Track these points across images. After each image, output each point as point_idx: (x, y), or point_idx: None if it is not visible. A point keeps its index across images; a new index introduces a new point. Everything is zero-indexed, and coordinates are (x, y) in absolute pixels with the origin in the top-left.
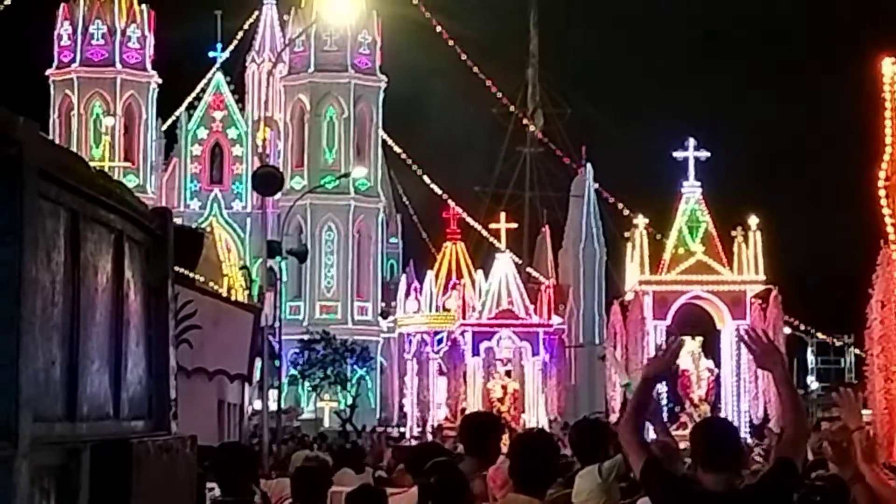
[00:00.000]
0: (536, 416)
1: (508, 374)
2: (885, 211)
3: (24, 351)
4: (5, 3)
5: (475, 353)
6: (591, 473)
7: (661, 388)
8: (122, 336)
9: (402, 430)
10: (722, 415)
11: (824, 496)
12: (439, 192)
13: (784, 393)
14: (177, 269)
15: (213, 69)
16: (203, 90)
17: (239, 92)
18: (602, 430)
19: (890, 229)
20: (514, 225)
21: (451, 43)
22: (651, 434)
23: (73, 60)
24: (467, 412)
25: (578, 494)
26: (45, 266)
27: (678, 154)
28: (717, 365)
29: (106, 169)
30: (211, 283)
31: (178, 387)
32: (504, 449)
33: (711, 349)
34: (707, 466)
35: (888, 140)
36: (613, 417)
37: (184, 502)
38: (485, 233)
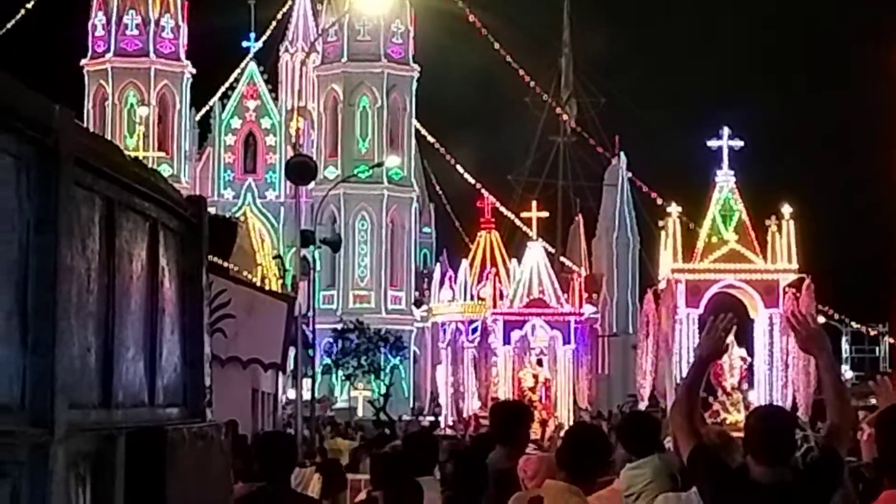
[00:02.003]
0: (568, 405)
1: (540, 362)
2: None
3: (60, 338)
4: None
5: (506, 341)
6: (648, 465)
7: None
8: (157, 324)
9: (436, 419)
10: (754, 403)
11: (863, 484)
12: (472, 181)
13: (828, 380)
14: (211, 258)
15: (247, 59)
16: (237, 80)
17: (272, 82)
18: (656, 423)
19: None
20: (547, 214)
21: (484, 32)
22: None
23: (108, 50)
24: (498, 401)
25: (632, 486)
26: (80, 253)
27: (712, 143)
28: (750, 354)
29: (140, 158)
30: (244, 273)
31: (212, 375)
32: (535, 436)
33: (744, 338)
34: (760, 457)
35: None
36: (642, 406)
37: (219, 489)
38: (517, 222)
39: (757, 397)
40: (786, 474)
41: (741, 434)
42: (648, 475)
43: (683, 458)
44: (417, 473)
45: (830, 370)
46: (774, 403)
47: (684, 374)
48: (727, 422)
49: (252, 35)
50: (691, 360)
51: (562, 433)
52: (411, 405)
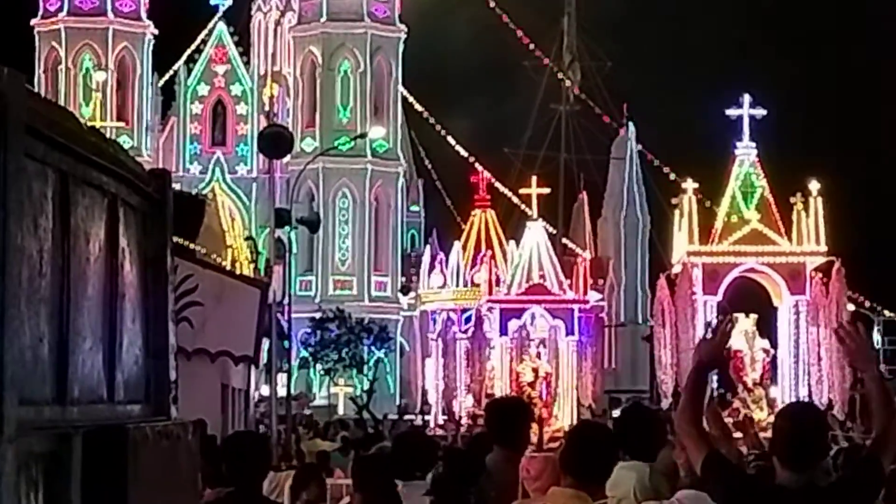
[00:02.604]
0: (571, 402)
1: (539, 355)
2: None
3: (9, 326)
4: None
5: (503, 332)
6: (637, 470)
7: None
8: (117, 311)
9: (424, 418)
10: (779, 400)
11: None
12: (465, 154)
13: (875, 390)
14: (176, 239)
15: (215, 18)
16: (204, 42)
17: (243, 44)
18: (660, 423)
19: None
20: (548, 190)
21: None
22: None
23: (61, 9)
24: (494, 397)
25: (616, 487)
26: (31, 233)
27: (731, 112)
28: (774, 345)
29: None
30: (213, 256)
31: (177, 369)
32: (534, 438)
33: (767, 328)
34: (787, 461)
35: None
36: (665, 403)
37: (186, 493)
38: (515, 199)
39: (780, 393)
40: (817, 479)
41: (765, 434)
42: (632, 482)
43: (695, 467)
44: (410, 477)
45: (879, 381)
46: (803, 400)
47: None
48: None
49: None
50: None
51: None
52: (397, 402)
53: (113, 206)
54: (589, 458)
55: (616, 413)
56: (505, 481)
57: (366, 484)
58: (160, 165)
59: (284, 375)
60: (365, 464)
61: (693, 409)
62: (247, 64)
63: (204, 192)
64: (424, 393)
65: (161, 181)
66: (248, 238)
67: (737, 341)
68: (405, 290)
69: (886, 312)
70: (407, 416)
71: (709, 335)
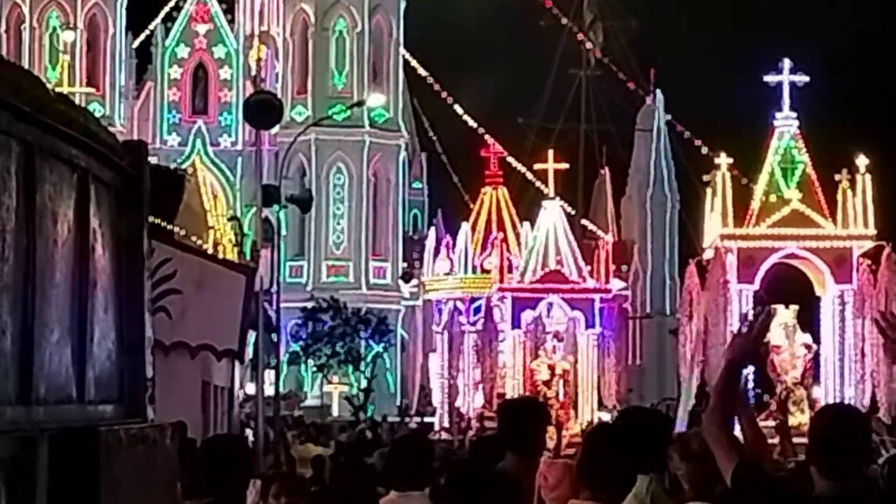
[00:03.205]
0: (591, 403)
1: (556, 350)
2: None
3: None
4: None
5: (515, 324)
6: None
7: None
8: (88, 300)
9: (428, 419)
10: (822, 402)
11: None
12: (474, 125)
13: None
14: (152, 219)
15: None
16: None
17: (227, 1)
18: (665, 427)
19: None
20: (566, 166)
21: None
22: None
23: None
24: (506, 398)
25: None
26: None
27: (770, 78)
28: (816, 340)
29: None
30: (193, 238)
31: (154, 365)
32: (550, 443)
33: (809, 320)
34: (824, 468)
35: None
36: (681, 412)
37: (162, 500)
38: (530, 175)
39: (824, 394)
40: (858, 488)
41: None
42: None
43: (725, 477)
44: (407, 488)
45: None
46: (845, 402)
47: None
48: (789, 424)
49: None
50: None
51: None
52: (398, 403)
53: (83, 182)
54: (607, 465)
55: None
56: (517, 490)
57: (355, 496)
58: (134, 136)
59: (272, 372)
60: (358, 472)
61: (723, 412)
62: (231, 23)
63: (183, 166)
64: (428, 392)
65: (137, 154)
66: (233, 218)
67: (775, 336)
68: (407, 278)
69: None
70: (409, 418)
71: (744, 329)
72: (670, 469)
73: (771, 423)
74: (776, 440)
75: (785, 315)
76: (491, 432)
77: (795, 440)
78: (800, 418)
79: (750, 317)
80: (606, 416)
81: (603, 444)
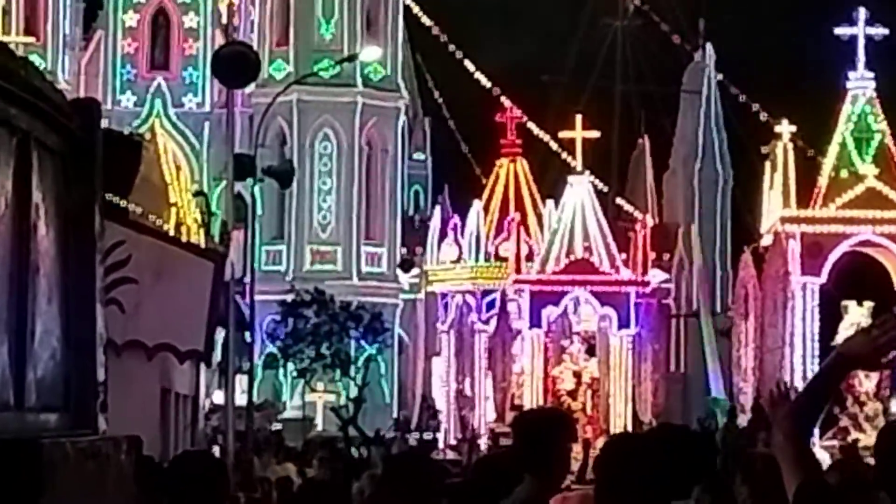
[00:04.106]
0: (625, 417)
1: (591, 352)
2: None
3: None
4: None
5: (535, 322)
6: None
7: None
8: (28, 288)
9: (432, 435)
10: None
11: None
12: (488, 84)
13: None
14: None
15: None
16: None
17: None
18: (705, 445)
19: None
20: (597, 134)
21: None
22: None
23: None
24: (524, 409)
25: None
26: None
27: (841, 31)
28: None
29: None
30: (151, 217)
31: (106, 367)
32: (574, 464)
33: None
34: (889, 491)
35: None
36: (744, 419)
37: None
38: (554, 145)
39: None
40: None
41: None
42: None
43: (788, 494)
44: None
45: None
46: None
47: (801, 372)
48: (859, 444)
49: None
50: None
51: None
52: (395, 415)
53: (24, 147)
54: (627, 482)
55: None
56: None
57: None
58: (81, 95)
59: (245, 378)
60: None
61: (802, 419)
62: None
63: (140, 131)
64: (431, 403)
65: (87, 116)
66: (199, 194)
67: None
68: (406, 266)
69: None
70: (407, 435)
71: (874, 333)
72: (734, 491)
73: (837, 441)
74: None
75: (857, 313)
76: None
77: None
78: (872, 437)
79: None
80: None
81: (625, 464)
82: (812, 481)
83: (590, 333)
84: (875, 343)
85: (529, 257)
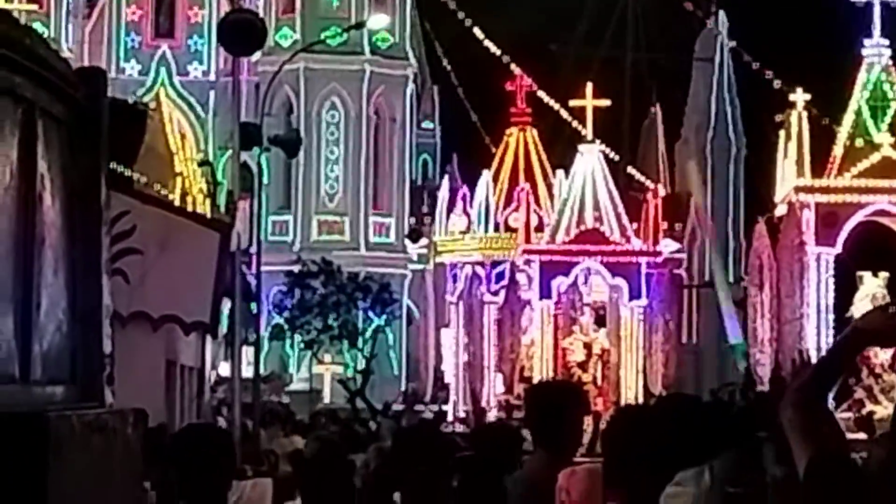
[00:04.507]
0: (636, 389)
1: (601, 322)
2: None
3: None
4: None
5: (544, 293)
6: (690, 478)
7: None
8: (34, 260)
9: (440, 407)
10: None
11: None
12: (497, 52)
13: None
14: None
15: None
16: None
17: None
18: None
19: None
20: (608, 102)
21: None
22: None
23: None
24: (534, 382)
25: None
26: None
27: None
28: None
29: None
30: (156, 186)
31: (112, 339)
32: (584, 437)
33: None
34: None
35: None
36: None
37: (124, 501)
38: (564, 114)
39: None
40: None
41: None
42: (689, 498)
43: (798, 468)
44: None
45: None
46: None
47: (815, 344)
48: (875, 416)
49: None
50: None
51: None
52: (403, 387)
53: (29, 117)
54: (634, 456)
55: None
56: (547, 496)
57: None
58: (85, 63)
59: (251, 350)
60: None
61: (813, 391)
62: None
63: (144, 99)
64: (440, 375)
65: (93, 85)
66: (204, 163)
67: (860, 309)
68: (415, 236)
69: None
70: (417, 407)
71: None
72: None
73: (852, 414)
74: (861, 435)
75: (873, 284)
76: (518, 423)
77: None
78: (888, 409)
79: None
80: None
81: (633, 436)
82: (824, 454)
83: (599, 304)
84: (894, 321)
85: (539, 227)
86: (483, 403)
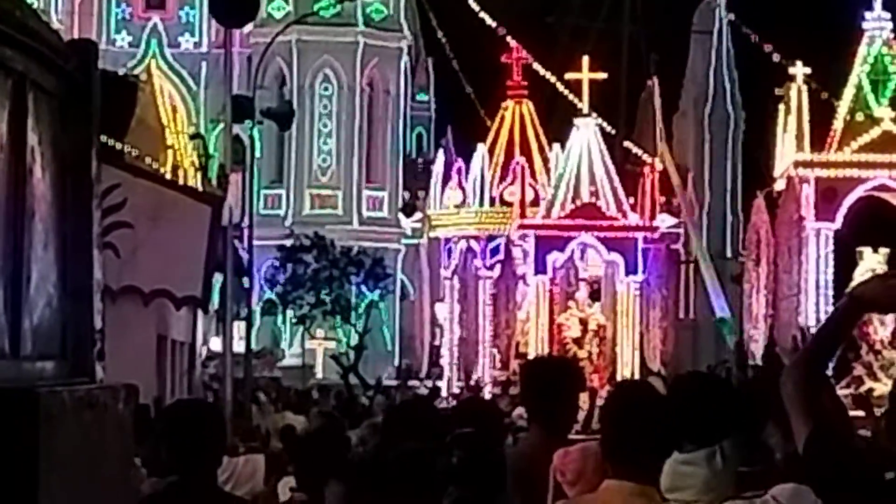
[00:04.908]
0: (632, 365)
1: (596, 296)
2: None
3: None
4: None
5: (540, 268)
6: (702, 459)
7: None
8: (24, 234)
9: (434, 383)
10: None
11: None
12: (493, 23)
13: None
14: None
15: None
16: None
17: None
18: (722, 391)
19: None
20: (605, 76)
21: None
22: None
23: None
24: (530, 358)
25: (673, 486)
26: None
27: None
28: None
29: None
30: (147, 160)
31: (103, 314)
32: (580, 414)
33: None
34: None
35: None
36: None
37: (116, 481)
38: (561, 87)
39: None
40: None
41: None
42: (701, 479)
43: (797, 443)
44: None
45: None
46: None
47: (814, 320)
48: (874, 393)
49: None
50: (824, 301)
51: None
52: (396, 363)
53: (19, 89)
54: (634, 431)
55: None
56: (542, 474)
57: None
58: (74, 35)
59: (243, 325)
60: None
61: (811, 365)
62: None
63: (135, 72)
64: (434, 350)
65: (84, 56)
66: (196, 136)
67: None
68: (409, 210)
69: None
70: (410, 383)
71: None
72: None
73: (851, 390)
74: (860, 413)
75: (873, 259)
76: (504, 399)
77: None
78: (886, 385)
79: None
80: (656, 383)
81: (628, 403)
82: (822, 427)
83: (594, 278)
84: (891, 288)
85: (535, 202)
86: (476, 379)
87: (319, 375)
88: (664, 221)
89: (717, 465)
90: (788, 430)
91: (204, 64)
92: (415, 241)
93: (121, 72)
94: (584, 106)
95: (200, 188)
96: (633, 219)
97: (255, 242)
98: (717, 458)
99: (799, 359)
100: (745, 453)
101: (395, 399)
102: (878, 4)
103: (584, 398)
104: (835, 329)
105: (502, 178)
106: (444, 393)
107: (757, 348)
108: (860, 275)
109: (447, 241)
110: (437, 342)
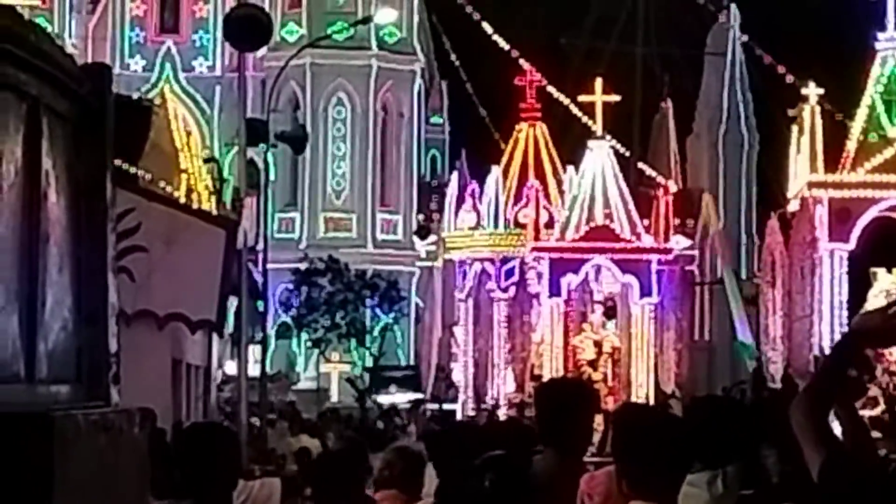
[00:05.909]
0: (647, 387)
1: (611, 313)
2: None
3: None
4: None
5: (554, 290)
6: (704, 482)
7: None
8: (39, 258)
9: (449, 406)
10: None
11: None
12: (507, 46)
13: None
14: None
15: None
16: None
17: None
18: (738, 415)
19: None
20: (618, 98)
21: None
22: None
23: None
24: (545, 380)
25: None
26: None
27: None
28: None
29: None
30: (161, 183)
31: (118, 338)
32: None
33: None
34: None
35: None
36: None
37: (129, 501)
38: (574, 109)
39: None
40: None
41: None
42: (703, 501)
43: (812, 471)
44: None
45: None
46: None
47: (829, 341)
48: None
49: None
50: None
51: None
52: (411, 385)
53: (34, 114)
54: (646, 454)
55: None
56: (557, 496)
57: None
58: (88, 59)
59: (258, 348)
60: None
61: (816, 397)
62: None
63: (149, 95)
64: (448, 373)
65: (99, 81)
66: (210, 160)
67: (874, 306)
68: (423, 233)
69: None
70: (426, 406)
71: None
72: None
73: (867, 412)
74: (876, 434)
75: (887, 280)
76: (529, 422)
77: None
78: None
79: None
80: (674, 406)
81: (638, 426)
82: (836, 453)
83: (609, 295)
84: (891, 321)
85: (549, 224)
86: (490, 402)
87: (335, 399)
88: (678, 243)
89: (717, 490)
90: (784, 452)
91: (218, 88)
92: (429, 264)
93: (135, 96)
94: (597, 128)
95: (215, 212)
96: (648, 241)
97: (270, 266)
98: (718, 483)
99: (805, 392)
100: (746, 477)
101: (409, 422)
102: (890, 25)
103: (598, 420)
104: (837, 364)
105: (516, 201)
106: (458, 415)
107: (776, 370)
108: (874, 295)
109: (462, 263)
110: (443, 363)
